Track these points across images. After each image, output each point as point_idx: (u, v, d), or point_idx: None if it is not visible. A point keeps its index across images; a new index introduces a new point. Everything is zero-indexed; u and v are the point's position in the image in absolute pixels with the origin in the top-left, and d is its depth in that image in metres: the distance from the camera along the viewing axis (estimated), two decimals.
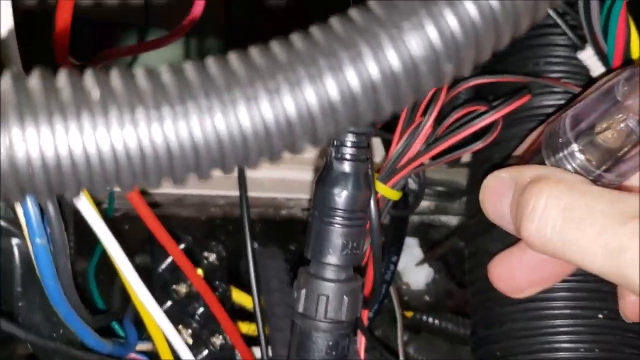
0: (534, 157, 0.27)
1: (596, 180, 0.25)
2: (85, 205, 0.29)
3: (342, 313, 0.29)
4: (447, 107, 0.41)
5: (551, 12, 0.37)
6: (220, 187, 0.46)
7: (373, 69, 0.15)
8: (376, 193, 0.34)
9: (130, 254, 0.41)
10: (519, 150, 0.32)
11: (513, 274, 0.30)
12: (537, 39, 0.39)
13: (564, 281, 0.31)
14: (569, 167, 0.25)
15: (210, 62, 0.15)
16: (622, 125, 0.23)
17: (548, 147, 0.25)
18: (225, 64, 0.15)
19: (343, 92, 0.15)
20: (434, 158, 0.40)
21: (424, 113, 0.40)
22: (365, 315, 0.41)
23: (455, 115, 0.40)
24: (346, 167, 0.29)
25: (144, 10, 0.51)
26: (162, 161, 0.14)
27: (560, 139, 0.25)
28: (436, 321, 0.45)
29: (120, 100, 0.14)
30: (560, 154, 0.25)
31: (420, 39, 0.15)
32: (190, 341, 0.36)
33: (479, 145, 0.35)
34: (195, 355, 0.36)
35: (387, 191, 0.41)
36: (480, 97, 0.43)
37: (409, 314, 0.45)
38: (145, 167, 0.14)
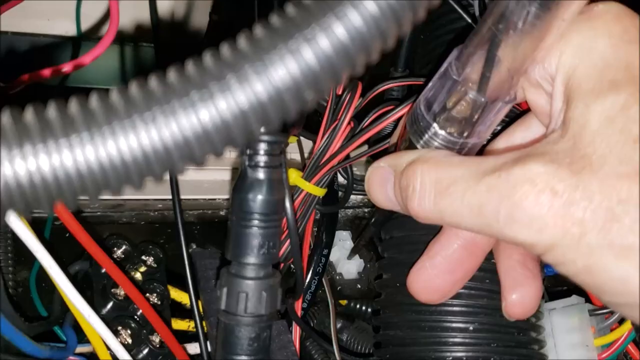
0: (403, 143, 0.31)
1: (463, 148, 0.28)
2: (17, 223, 0.31)
3: (262, 307, 0.31)
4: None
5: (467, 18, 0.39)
6: (157, 192, 0.48)
7: (259, 90, 0.18)
8: (292, 196, 0.36)
9: (71, 260, 0.43)
10: (393, 139, 0.35)
11: (433, 283, 0.32)
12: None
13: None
14: (436, 144, 0.28)
15: (113, 93, 0.17)
16: (466, 97, 0.26)
17: (415, 133, 0.29)
18: (125, 93, 0.17)
19: (233, 110, 0.18)
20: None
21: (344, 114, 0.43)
22: (299, 306, 0.43)
23: (372, 116, 0.43)
24: (260, 174, 0.31)
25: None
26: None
27: (421, 123, 0.28)
28: (369, 309, 0.48)
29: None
30: (426, 136, 0.28)
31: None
32: (130, 340, 0.38)
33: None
34: (136, 353, 0.38)
35: (311, 188, 0.43)
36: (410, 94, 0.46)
37: (344, 302, 0.48)
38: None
